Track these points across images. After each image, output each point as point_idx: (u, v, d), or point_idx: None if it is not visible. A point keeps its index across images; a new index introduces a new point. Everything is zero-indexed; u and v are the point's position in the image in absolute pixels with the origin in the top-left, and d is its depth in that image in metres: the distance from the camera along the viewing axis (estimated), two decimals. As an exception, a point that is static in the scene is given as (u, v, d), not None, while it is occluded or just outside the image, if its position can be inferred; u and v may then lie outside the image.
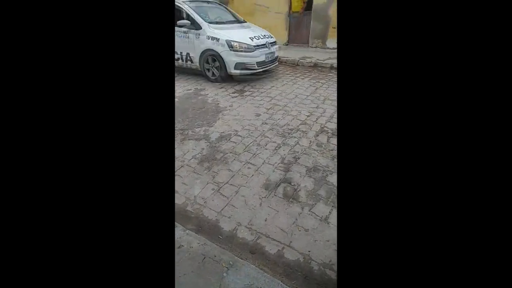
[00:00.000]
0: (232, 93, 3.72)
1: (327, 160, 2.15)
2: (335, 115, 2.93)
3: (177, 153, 2.28)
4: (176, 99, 3.51)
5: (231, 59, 3.86)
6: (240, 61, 3.88)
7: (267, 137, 2.52)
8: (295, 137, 2.50)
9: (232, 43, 3.82)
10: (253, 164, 2.12)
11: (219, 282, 1.18)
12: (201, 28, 3.99)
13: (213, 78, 4.12)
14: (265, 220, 1.60)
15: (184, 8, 4.12)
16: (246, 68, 3.95)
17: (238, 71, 3.95)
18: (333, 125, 2.71)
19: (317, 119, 2.87)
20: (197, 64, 4.20)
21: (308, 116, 2.94)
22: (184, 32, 4.10)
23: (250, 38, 3.98)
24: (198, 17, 4.06)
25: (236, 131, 2.64)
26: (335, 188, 1.84)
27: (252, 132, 2.61)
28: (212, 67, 4.08)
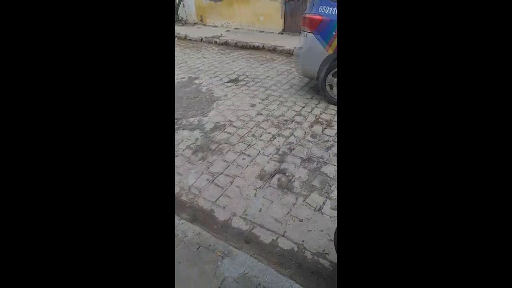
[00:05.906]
0: (227, 82, 3.66)
1: (322, 151, 2.17)
2: (330, 106, 2.93)
3: (171, 142, 2.26)
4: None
5: None
6: None
7: (262, 128, 2.51)
8: (290, 128, 2.49)
9: None
10: (248, 155, 2.12)
11: (214, 270, 1.20)
12: None
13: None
14: (260, 210, 1.61)
15: None
16: None
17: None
18: (327, 116, 2.72)
19: (312, 110, 2.86)
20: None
21: (303, 107, 2.93)
22: None
23: None
24: None
25: (231, 121, 2.62)
26: (329, 179, 1.86)
27: (247, 123, 2.59)
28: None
